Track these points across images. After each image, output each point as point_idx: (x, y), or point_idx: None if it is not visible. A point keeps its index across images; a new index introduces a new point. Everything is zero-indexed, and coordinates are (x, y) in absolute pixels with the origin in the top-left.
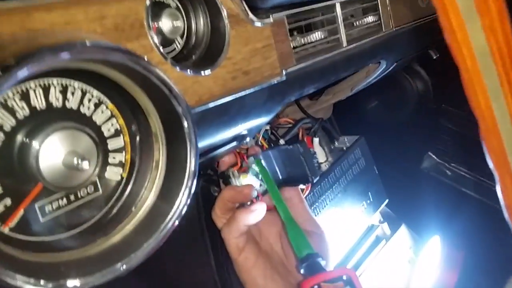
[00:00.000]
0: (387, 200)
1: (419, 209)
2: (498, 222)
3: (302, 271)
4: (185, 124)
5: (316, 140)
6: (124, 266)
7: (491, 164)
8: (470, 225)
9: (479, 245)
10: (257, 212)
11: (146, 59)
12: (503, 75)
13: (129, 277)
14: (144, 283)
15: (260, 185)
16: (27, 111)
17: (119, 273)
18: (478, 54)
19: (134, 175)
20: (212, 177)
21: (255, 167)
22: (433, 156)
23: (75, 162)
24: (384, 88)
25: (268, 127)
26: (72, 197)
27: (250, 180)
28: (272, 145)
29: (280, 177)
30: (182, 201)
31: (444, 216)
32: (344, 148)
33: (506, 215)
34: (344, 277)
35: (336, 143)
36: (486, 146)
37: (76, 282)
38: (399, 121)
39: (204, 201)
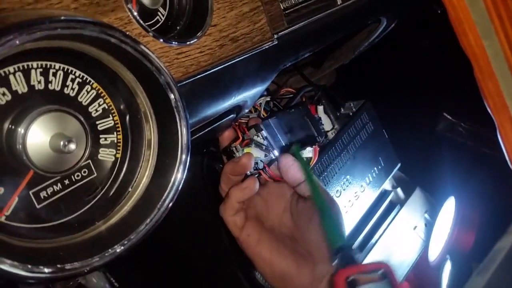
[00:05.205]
0: (399, 164)
1: (434, 171)
2: None
3: (335, 262)
4: (172, 96)
5: (320, 108)
6: (123, 247)
7: (489, 109)
8: (486, 184)
9: (495, 204)
10: (249, 189)
11: (121, 30)
12: (491, 8)
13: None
14: (157, 262)
15: (266, 155)
16: (9, 97)
17: (117, 254)
18: None
19: (128, 155)
20: (216, 154)
21: (257, 138)
22: (448, 116)
23: (62, 144)
24: (391, 49)
25: (269, 99)
26: (66, 182)
27: (254, 152)
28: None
29: (283, 144)
30: (177, 177)
31: (459, 176)
32: (351, 114)
33: (509, 163)
34: (380, 271)
35: (342, 110)
36: (481, 89)
37: (75, 265)
38: (409, 83)
39: (210, 179)
